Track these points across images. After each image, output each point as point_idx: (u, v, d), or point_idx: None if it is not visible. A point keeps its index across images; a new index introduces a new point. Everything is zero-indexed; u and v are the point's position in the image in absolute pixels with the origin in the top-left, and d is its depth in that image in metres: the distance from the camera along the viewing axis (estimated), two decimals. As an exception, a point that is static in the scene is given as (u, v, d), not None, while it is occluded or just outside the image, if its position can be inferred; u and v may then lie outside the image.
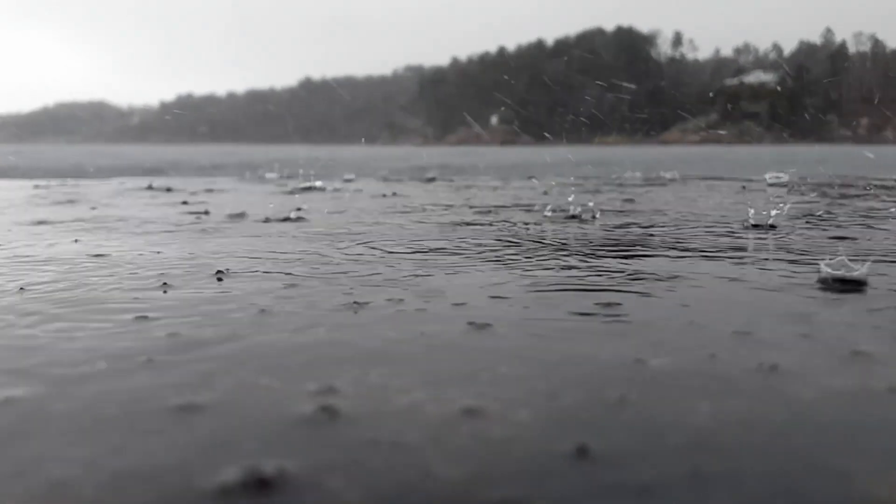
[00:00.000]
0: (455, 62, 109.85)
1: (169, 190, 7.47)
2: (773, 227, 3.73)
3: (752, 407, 1.19)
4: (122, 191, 7.47)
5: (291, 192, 6.97)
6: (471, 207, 5.25)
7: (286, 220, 4.27)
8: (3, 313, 1.87)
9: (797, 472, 0.97)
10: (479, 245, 3.18)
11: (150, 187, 7.70)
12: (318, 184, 7.59)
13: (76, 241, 3.39)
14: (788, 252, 2.94)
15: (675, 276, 2.39)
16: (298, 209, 4.80)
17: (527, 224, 4.06)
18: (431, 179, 9.45)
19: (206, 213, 4.82)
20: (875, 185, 7.46)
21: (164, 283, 2.28)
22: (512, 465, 0.99)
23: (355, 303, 1.98)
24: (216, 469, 0.97)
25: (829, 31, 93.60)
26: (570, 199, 4.81)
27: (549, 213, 4.53)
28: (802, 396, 1.25)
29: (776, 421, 1.13)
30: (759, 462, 0.99)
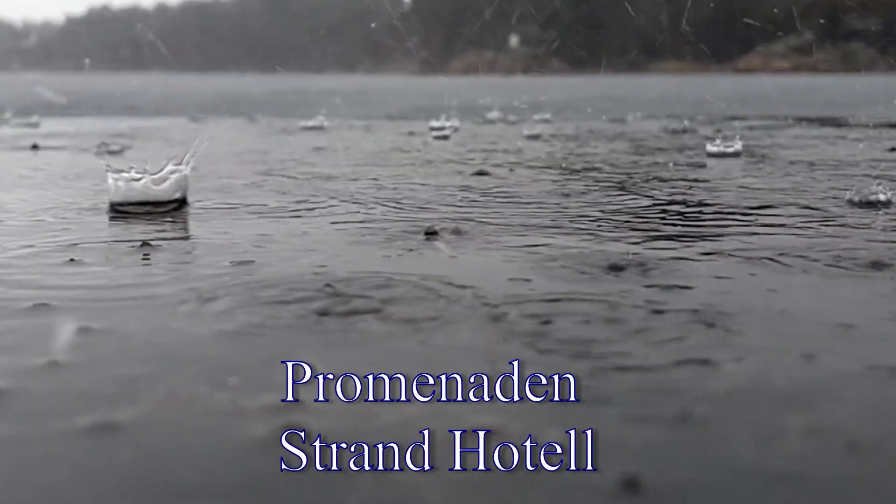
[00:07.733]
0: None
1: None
2: None
3: (861, 425, 1.18)
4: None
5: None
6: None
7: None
8: None
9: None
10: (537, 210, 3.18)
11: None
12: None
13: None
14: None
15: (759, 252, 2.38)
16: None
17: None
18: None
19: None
20: None
21: (72, 259, 2.27)
22: (539, 502, 0.98)
23: (328, 286, 1.97)
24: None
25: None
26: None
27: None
28: (928, 412, 1.24)
29: (894, 445, 1.12)
30: (870, 501, 0.98)
